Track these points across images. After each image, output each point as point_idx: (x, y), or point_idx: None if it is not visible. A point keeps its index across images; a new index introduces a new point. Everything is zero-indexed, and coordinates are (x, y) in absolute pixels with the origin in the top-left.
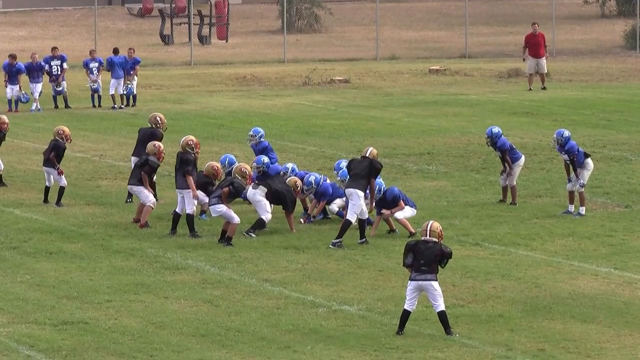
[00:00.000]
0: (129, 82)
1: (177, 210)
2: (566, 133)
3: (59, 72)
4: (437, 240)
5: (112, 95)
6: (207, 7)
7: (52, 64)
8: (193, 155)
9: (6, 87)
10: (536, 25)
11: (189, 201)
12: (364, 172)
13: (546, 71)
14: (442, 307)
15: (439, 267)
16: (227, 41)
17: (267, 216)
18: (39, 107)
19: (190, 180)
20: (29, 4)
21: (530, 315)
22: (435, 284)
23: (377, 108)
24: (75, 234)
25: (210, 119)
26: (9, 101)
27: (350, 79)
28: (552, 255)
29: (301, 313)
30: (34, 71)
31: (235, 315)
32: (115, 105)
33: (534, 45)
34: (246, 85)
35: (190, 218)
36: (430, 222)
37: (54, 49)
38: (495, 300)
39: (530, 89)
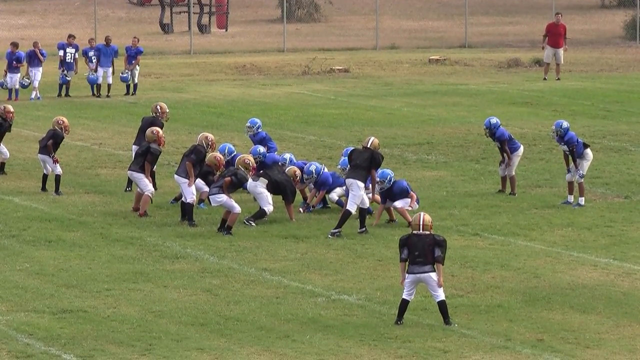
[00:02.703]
0: (128, 70)
1: (182, 199)
2: (565, 124)
3: (72, 60)
4: (429, 232)
5: (99, 85)
6: None
7: (67, 51)
8: (205, 150)
9: (6, 75)
10: (559, 15)
11: (187, 190)
12: (364, 163)
13: (562, 62)
14: (442, 297)
15: (439, 263)
16: (226, 30)
17: (268, 208)
18: (38, 95)
19: (191, 168)
20: None
21: (530, 305)
22: (433, 274)
23: (377, 97)
24: (74, 222)
25: (210, 107)
26: (10, 90)
27: (349, 69)
28: (552, 246)
29: (300, 302)
30: (35, 59)
31: (234, 304)
32: (101, 94)
33: (554, 35)
34: (246, 74)
35: (189, 207)
36: (422, 215)
37: (70, 36)
38: (494, 290)
39: (545, 79)
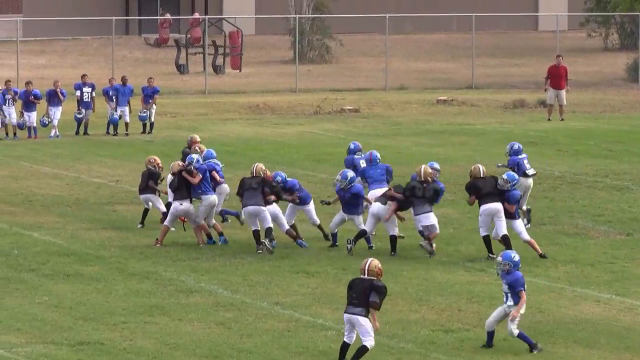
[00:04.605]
0: (146, 110)
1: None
2: (516, 146)
3: (90, 99)
4: (374, 277)
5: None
6: (221, 38)
7: (83, 90)
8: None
9: (22, 115)
10: (560, 57)
11: (265, 217)
12: (495, 189)
13: (565, 103)
14: (368, 343)
15: (372, 308)
16: (240, 71)
17: (396, 231)
18: (57, 133)
19: (271, 198)
20: (49, 33)
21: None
22: (362, 319)
23: (386, 137)
24: (92, 257)
25: (224, 146)
26: (29, 128)
27: (360, 109)
28: (555, 282)
29: (311, 336)
30: (55, 98)
31: (247, 337)
32: (118, 132)
33: (556, 77)
34: (259, 113)
35: (269, 230)
36: (369, 260)
37: (83, 76)
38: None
39: (549, 119)
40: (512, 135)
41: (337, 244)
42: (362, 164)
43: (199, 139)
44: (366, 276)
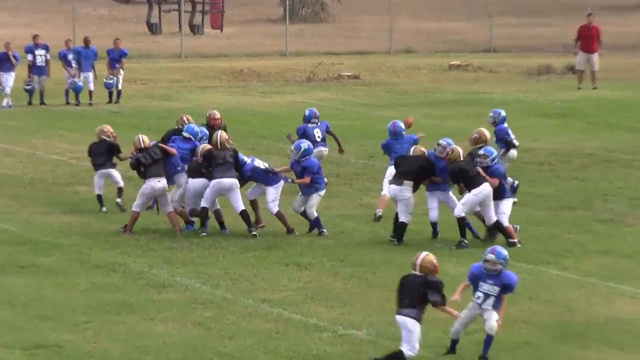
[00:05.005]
0: (113, 75)
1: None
2: (503, 113)
3: (44, 63)
4: (427, 273)
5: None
6: None
7: (36, 53)
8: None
9: None
10: (591, 16)
11: (238, 194)
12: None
13: (597, 69)
14: (405, 349)
15: (437, 307)
16: (221, 31)
17: (409, 218)
18: (10, 103)
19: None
20: None
21: (561, 342)
22: (409, 321)
23: (390, 107)
24: (49, 245)
25: (203, 118)
26: None
27: (360, 75)
28: (587, 275)
29: (303, 338)
30: (7, 62)
31: (228, 339)
32: (81, 102)
33: (587, 39)
34: (243, 80)
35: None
36: (422, 255)
37: (35, 36)
38: (522, 325)
39: (579, 88)
40: (536, 105)
41: (316, 229)
42: (317, 134)
43: (218, 115)
44: (418, 272)
